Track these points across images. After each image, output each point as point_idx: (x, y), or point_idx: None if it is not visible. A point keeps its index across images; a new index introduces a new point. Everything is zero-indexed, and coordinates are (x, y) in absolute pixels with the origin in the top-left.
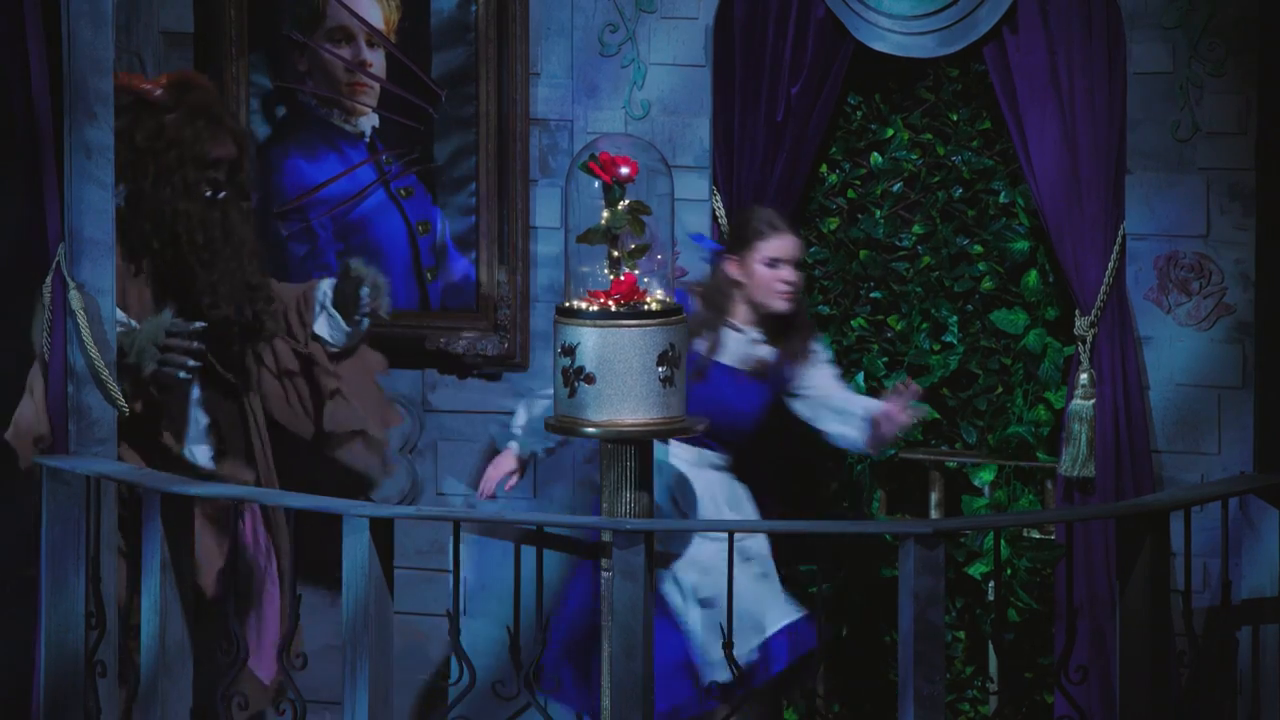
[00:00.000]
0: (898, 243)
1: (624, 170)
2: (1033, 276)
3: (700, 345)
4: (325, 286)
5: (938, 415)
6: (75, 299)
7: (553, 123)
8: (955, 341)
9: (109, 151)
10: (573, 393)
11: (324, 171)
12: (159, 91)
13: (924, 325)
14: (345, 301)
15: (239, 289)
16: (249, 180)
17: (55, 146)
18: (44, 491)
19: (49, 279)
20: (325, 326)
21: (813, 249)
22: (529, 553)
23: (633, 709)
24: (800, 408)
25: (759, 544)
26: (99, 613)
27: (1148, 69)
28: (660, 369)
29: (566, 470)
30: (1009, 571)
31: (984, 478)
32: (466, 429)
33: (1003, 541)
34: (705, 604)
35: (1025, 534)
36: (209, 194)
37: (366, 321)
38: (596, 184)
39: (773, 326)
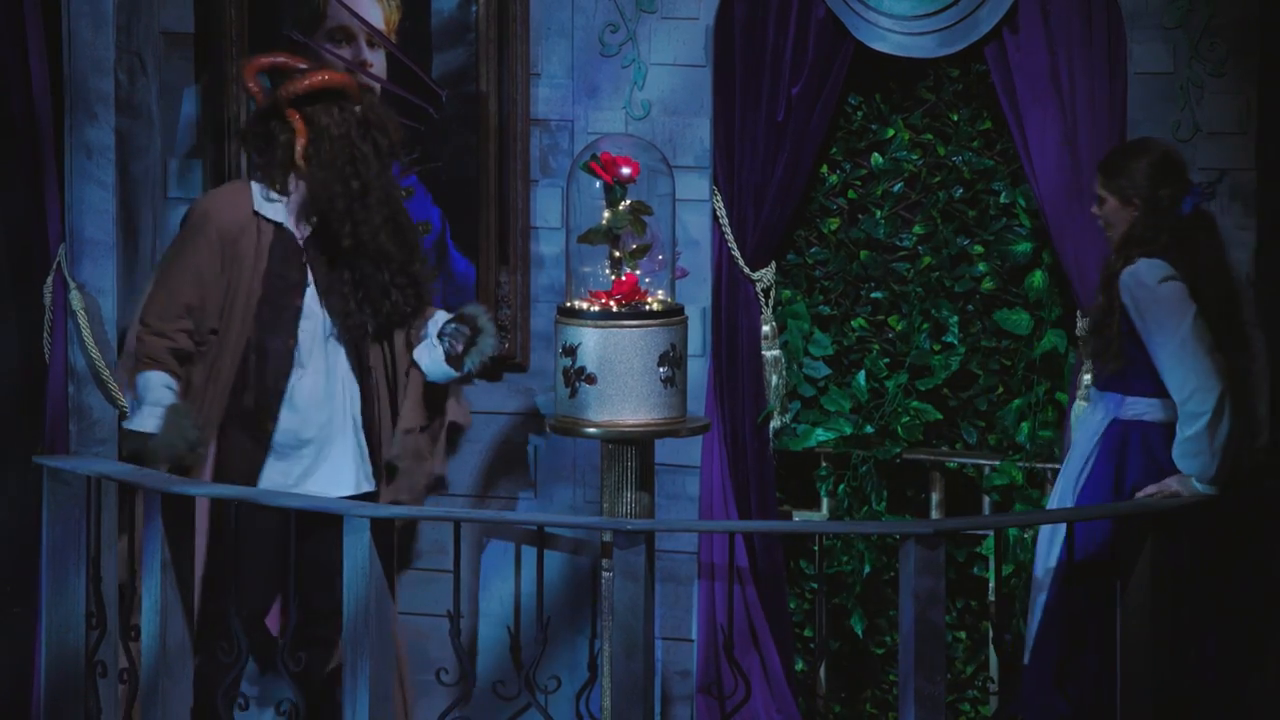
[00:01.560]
0: (898, 243)
1: (625, 170)
2: (1038, 277)
3: None
4: (439, 317)
5: (940, 416)
6: (76, 299)
7: (553, 123)
8: (956, 342)
9: (110, 152)
10: (574, 393)
11: None
12: (322, 77)
13: (925, 325)
14: (455, 341)
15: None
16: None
17: (56, 147)
18: (44, 492)
19: (50, 279)
20: (425, 356)
21: (813, 249)
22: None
23: (633, 709)
24: None
25: None
26: (99, 613)
27: (1148, 69)
28: (661, 369)
29: (568, 471)
30: (1010, 570)
31: None
32: (467, 429)
33: None
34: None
35: None
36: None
37: (469, 365)
38: (598, 184)
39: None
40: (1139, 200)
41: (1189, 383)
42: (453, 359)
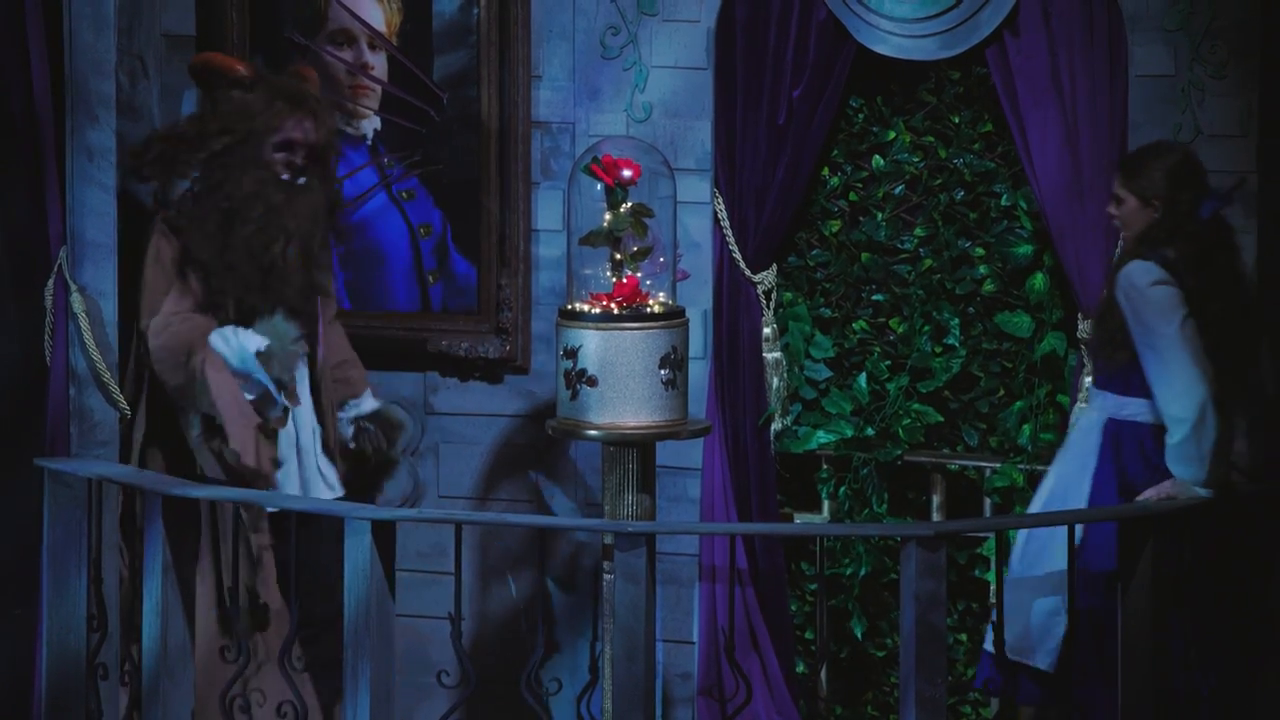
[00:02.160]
0: (899, 245)
1: (626, 173)
2: (1039, 280)
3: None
4: (364, 402)
5: (941, 418)
6: (77, 302)
7: (554, 125)
8: (957, 344)
9: (110, 154)
10: (575, 395)
11: None
12: (242, 69)
13: (926, 328)
14: (364, 442)
15: (294, 284)
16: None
17: (57, 149)
18: (45, 493)
19: (51, 282)
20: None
21: (814, 251)
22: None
23: (634, 711)
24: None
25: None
26: (100, 615)
27: (1149, 72)
28: (662, 371)
29: (569, 473)
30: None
31: None
32: (468, 432)
33: None
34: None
35: None
36: (285, 177)
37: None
38: (599, 186)
39: None
40: (1158, 202)
41: (1171, 387)
42: (359, 455)
